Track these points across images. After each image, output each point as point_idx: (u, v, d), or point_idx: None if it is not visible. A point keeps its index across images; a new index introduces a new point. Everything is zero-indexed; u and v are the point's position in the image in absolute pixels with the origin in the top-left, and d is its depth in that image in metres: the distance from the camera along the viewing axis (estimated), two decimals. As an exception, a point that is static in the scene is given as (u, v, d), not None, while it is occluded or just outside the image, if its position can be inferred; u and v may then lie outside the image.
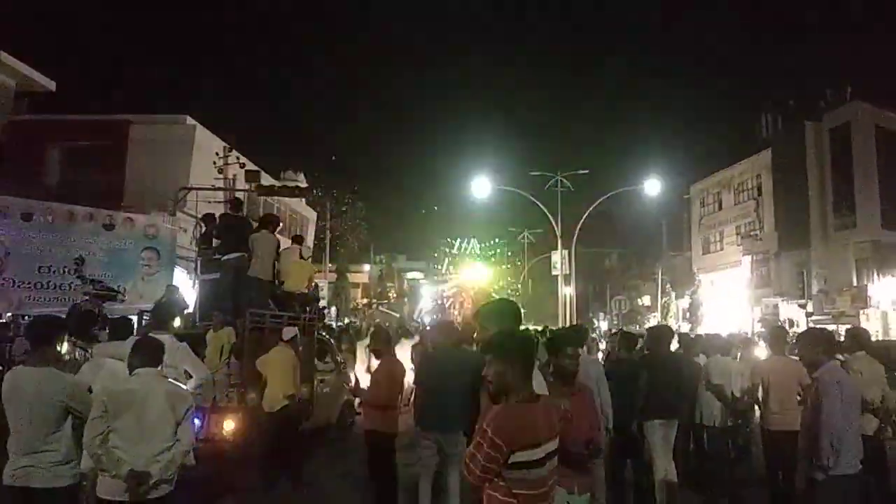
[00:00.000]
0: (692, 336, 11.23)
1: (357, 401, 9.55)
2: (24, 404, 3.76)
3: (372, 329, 10.56)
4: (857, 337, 6.52)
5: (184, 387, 4.63)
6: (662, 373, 6.53)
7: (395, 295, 55.24)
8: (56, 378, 3.88)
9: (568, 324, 24.58)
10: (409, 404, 11.64)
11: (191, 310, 10.42)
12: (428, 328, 15.75)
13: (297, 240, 12.10)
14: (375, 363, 6.74)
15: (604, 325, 46.17)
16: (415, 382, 6.25)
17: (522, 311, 4.49)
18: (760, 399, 6.59)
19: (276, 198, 26.91)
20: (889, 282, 30.98)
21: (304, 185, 28.92)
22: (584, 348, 6.85)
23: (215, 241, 10.44)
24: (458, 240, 46.18)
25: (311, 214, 39.04)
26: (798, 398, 6.19)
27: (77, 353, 5.73)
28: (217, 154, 22.01)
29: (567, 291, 27.22)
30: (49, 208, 11.16)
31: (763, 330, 24.19)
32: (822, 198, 34.61)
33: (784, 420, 6.20)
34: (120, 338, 5.49)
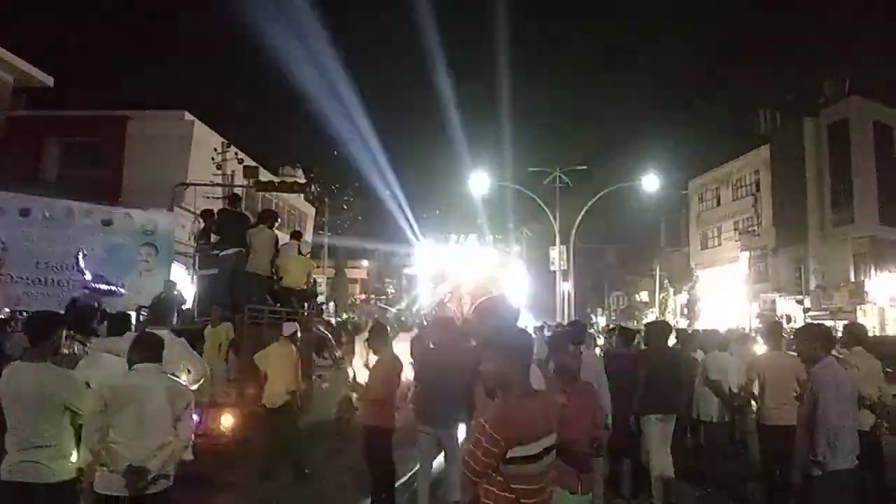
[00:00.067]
0: (689, 332, 11.27)
1: (355, 396, 9.56)
2: (22, 400, 3.76)
3: (370, 324, 10.57)
4: (854, 332, 6.54)
5: (182, 382, 4.63)
6: (660, 368, 6.55)
7: (393, 290, 55.28)
8: (54, 374, 3.89)
9: (566, 320, 24.62)
10: (407, 399, 11.70)
11: (189, 305, 10.42)
12: (426, 323, 15.76)
13: (296, 235, 12.09)
14: (374, 359, 6.75)
15: (602, 321, 46.22)
16: (415, 378, 6.27)
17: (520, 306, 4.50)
18: (757, 394, 6.62)
19: (274, 193, 26.91)
20: (886, 277, 31.04)
21: (302, 180, 28.93)
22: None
23: (213, 237, 10.44)
24: (454, 236, 46.11)
25: (310, 210, 39.03)
26: (794, 393, 6.23)
27: (76, 348, 5.72)
28: (215, 150, 22.00)
29: (565, 287, 27.25)
30: (47, 204, 11.11)
31: (761, 326, 24.25)
32: (820, 193, 34.64)
33: (780, 415, 6.22)
34: (117, 333, 5.49)
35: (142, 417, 3.85)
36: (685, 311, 44.41)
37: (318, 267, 27.56)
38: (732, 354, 7.80)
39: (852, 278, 32.16)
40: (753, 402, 6.94)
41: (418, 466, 5.96)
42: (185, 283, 11.94)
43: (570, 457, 3.60)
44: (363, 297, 51.30)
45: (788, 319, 31.97)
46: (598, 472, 5.79)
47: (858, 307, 30.41)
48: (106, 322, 6.54)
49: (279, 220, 11.67)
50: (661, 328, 7.50)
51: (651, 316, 43.15)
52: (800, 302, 33.07)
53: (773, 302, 36.18)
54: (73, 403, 3.86)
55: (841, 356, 6.00)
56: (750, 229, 39.74)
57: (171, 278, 11.20)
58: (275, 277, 10.16)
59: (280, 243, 10.61)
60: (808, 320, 26.33)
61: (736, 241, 40.73)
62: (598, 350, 10.29)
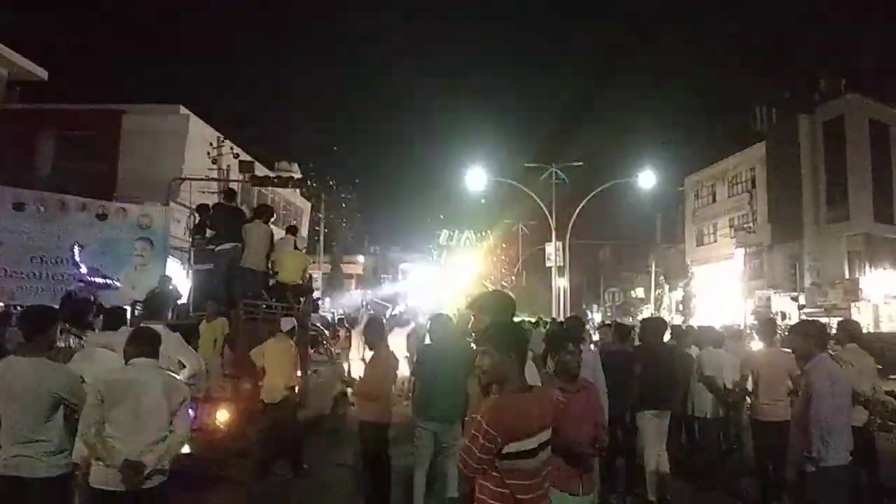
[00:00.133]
0: (684, 328, 11.28)
1: (350, 391, 9.57)
2: (17, 394, 3.75)
3: (366, 318, 10.57)
4: (849, 329, 6.56)
5: (178, 377, 4.63)
6: (655, 364, 6.56)
7: (389, 286, 55.24)
8: (48, 368, 3.87)
9: (562, 315, 24.64)
10: (403, 394, 11.71)
11: (184, 300, 10.40)
12: (423, 319, 15.76)
13: (292, 230, 12.06)
14: (370, 353, 6.75)
15: (597, 317, 46.30)
16: (413, 374, 6.27)
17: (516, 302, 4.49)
18: (751, 390, 6.65)
19: (270, 188, 26.83)
20: (880, 275, 31.19)
21: (298, 175, 28.82)
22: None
23: (209, 232, 10.41)
24: (448, 231, 46.10)
25: (306, 205, 38.94)
26: (788, 390, 6.26)
27: (72, 342, 5.71)
28: (211, 144, 21.91)
29: (561, 283, 27.26)
30: (41, 198, 11.09)
31: (756, 323, 24.32)
32: (816, 191, 34.74)
33: (774, 411, 6.26)
34: (113, 328, 5.47)
35: (138, 412, 3.84)
36: (680, 307, 44.54)
37: (313, 262, 27.51)
38: (727, 351, 7.81)
39: (847, 275, 32.29)
40: (748, 399, 6.97)
41: (416, 461, 5.97)
42: (181, 278, 11.91)
43: (572, 457, 3.56)
44: (359, 291, 51.26)
45: (783, 316, 32.10)
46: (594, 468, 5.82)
47: (853, 304, 30.56)
48: (102, 316, 6.52)
49: (275, 214, 11.65)
50: (656, 324, 7.51)
51: (646, 312, 43.26)
52: (795, 299, 33.18)
53: (768, 299, 36.31)
54: (67, 398, 3.85)
55: (835, 353, 6.03)
56: (745, 226, 39.84)
57: (167, 273, 11.18)
58: (270, 272, 10.13)
59: (276, 238, 10.58)
60: (803, 317, 26.45)
61: (731, 237, 40.83)
62: (592, 346, 10.29)
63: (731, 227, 41.93)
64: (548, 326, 15.04)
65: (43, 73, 21.94)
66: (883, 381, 6.31)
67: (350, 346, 13.04)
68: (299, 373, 8.18)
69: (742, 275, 38.41)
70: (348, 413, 10.00)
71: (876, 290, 31.00)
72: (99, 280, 10.51)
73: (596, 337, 14.55)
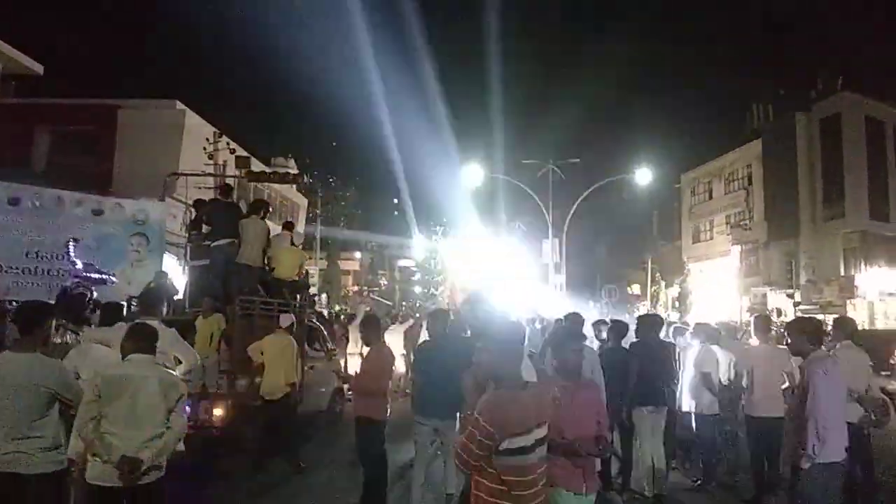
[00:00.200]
0: (680, 324, 11.29)
1: (347, 387, 9.56)
2: (11, 390, 3.74)
3: (363, 315, 10.57)
4: (844, 326, 6.58)
5: (174, 373, 4.62)
6: (651, 361, 6.58)
7: (385, 282, 55.28)
8: (43, 364, 3.86)
9: (557, 312, 24.64)
10: (400, 391, 11.70)
11: (180, 296, 10.37)
12: (420, 315, 15.78)
13: (288, 226, 12.05)
14: (367, 350, 6.74)
15: (594, 314, 46.32)
16: (412, 370, 6.28)
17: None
18: (745, 386, 6.67)
19: (266, 184, 26.78)
20: (876, 272, 31.28)
21: (294, 171, 28.80)
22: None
23: (205, 227, 10.38)
24: (442, 227, 46.17)
25: (302, 201, 38.89)
26: (782, 386, 6.28)
27: (68, 338, 5.69)
28: (207, 139, 21.86)
29: (557, 280, 27.28)
30: (37, 193, 11.01)
31: (751, 319, 24.37)
32: (812, 188, 34.81)
33: (768, 407, 6.29)
34: (109, 323, 5.45)
35: (135, 408, 3.84)
36: (677, 304, 44.62)
37: (310, 258, 27.51)
38: (724, 348, 7.82)
39: (842, 272, 32.39)
40: (743, 395, 6.99)
41: (414, 458, 5.98)
42: (177, 274, 11.88)
43: (575, 456, 3.54)
44: (356, 288, 51.29)
45: (779, 313, 32.18)
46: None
47: (848, 301, 30.65)
48: (98, 312, 6.50)
49: (271, 210, 11.63)
50: (653, 321, 7.53)
51: (643, 309, 43.32)
52: (790, 296, 33.28)
53: (764, 295, 36.39)
54: (61, 394, 3.84)
55: (830, 350, 6.05)
56: (741, 223, 39.91)
57: (163, 269, 11.14)
58: (267, 268, 10.12)
59: (272, 234, 10.56)
60: (799, 314, 26.55)
61: (728, 234, 40.91)
62: (596, 343, 10.28)
63: (727, 223, 42.01)
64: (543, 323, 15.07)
65: (38, 68, 21.83)
66: (877, 378, 6.33)
67: (347, 342, 13.04)
68: (300, 369, 8.18)
69: (738, 271, 38.52)
70: (345, 409, 10.00)
71: (871, 288, 31.10)
72: (95, 276, 10.45)
73: (591, 334, 14.64)
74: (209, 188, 19.30)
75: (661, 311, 38.67)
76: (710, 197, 44.80)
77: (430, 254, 49.04)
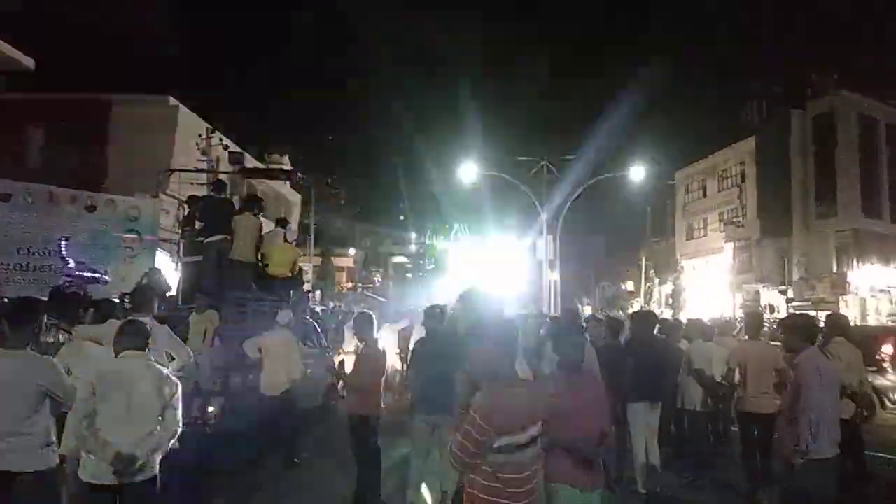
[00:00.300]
0: (672, 321, 11.33)
1: (341, 384, 9.56)
2: (2, 387, 3.71)
3: (357, 312, 10.56)
4: (837, 323, 6.62)
5: (166, 370, 4.60)
6: (646, 357, 6.59)
7: (380, 279, 55.24)
8: (34, 361, 3.84)
9: (552, 309, 24.69)
10: (395, 388, 11.69)
11: (173, 292, 10.34)
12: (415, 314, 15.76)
13: (281, 223, 12.02)
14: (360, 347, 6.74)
15: (588, 311, 46.47)
16: (411, 366, 6.29)
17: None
18: (737, 383, 6.70)
19: (260, 180, 26.69)
20: (868, 269, 31.46)
21: (288, 167, 28.72)
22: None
23: (198, 224, 10.35)
24: (436, 225, 46.23)
25: (296, 197, 38.81)
26: (774, 382, 6.32)
27: (60, 336, 5.66)
28: (200, 135, 21.77)
29: (552, 277, 27.29)
30: (28, 189, 10.95)
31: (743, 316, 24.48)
32: (805, 186, 34.93)
33: (760, 403, 6.32)
34: (100, 321, 5.42)
35: (130, 405, 3.83)
36: (670, 301, 44.74)
37: (303, 255, 27.44)
38: (717, 344, 7.86)
39: (835, 269, 32.53)
40: (737, 391, 7.01)
41: (411, 454, 5.99)
42: (170, 270, 11.84)
43: (578, 452, 3.52)
44: (350, 285, 51.25)
45: (772, 310, 32.34)
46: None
47: (840, 298, 30.80)
48: (92, 309, 6.47)
49: (264, 206, 11.61)
50: (647, 318, 7.54)
51: (636, 306, 43.43)
52: (783, 292, 33.43)
53: (757, 292, 36.52)
54: (52, 391, 3.82)
55: (823, 346, 6.08)
56: (735, 220, 40.02)
57: (156, 265, 11.10)
58: (260, 265, 10.10)
59: (265, 230, 10.53)
60: (791, 311, 26.65)
61: (721, 231, 41.02)
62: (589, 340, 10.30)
63: (720, 221, 42.11)
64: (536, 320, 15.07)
65: (30, 63, 21.66)
66: (870, 374, 6.38)
67: (342, 339, 13.05)
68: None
69: (731, 269, 38.64)
70: (338, 405, 10.00)
71: (863, 285, 31.28)
72: (87, 275, 10.41)
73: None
74: (202, 184, 19.21)
75: (654, 309, 38.79)
76: (704, 194, 44.90)
77: (425, 250, 49.04)
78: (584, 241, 56.67)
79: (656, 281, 48.92)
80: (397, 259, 59.58)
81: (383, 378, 6.48)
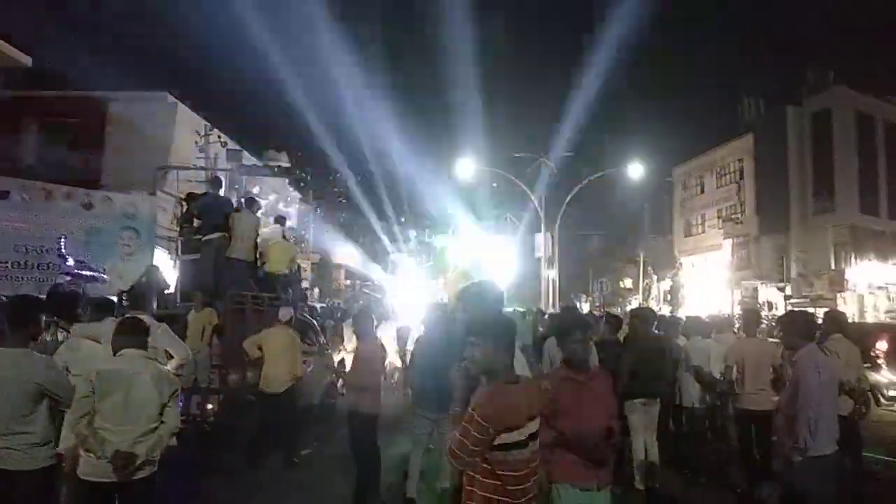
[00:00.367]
0: (671, 318, 11.33)
1: (340, 382, 9.55)
2: (0, 386, 3.70)
3: (356, 310, 10.57)
4: (835, 319, 6.62)
5: (165, 368, 4.60)
6: (644, 354, 6.60)
7: (378, 276, 55.14)
8: (32, 359, 3.83)
9: (551, 306, 24.71)
10: (395, 385, 11.69)
11: (171, 290, 10.33)
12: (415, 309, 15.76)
13: (280, 220, 12.01)
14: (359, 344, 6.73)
15: (586, 308, 46.51)
16: (411, 363, 6.29)
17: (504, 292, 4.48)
18: (734, 379, 6.70)
19: (258, 177, 26.60)
20: (866, 265, 31.51)
21: (286, 164, 28.61)
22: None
23: (196, 221, 10.33)
24: (434, 222, 46.17)
25: (294, 195, 38.70)
26: (771, 379, 6.32)
27: (59, 334, 5.65)
28: (198, 132, 21.72)
29: (550, 274, 27.31)
30: (26, 187, 10.95)
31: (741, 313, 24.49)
32: (803, 182, 34.95)
33: (757, 400, 6.33)
34: (98, 319, 5.42)
35: (129, 403, 3.83)
36: (668, 297, 44.79)
37: (301, 252, 27.38)
38: (715, 341, 7.86)
39: (833, 266, 32.57)
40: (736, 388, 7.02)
41: (411, 451, 5.99)
42: (168, 268, 11.84)
43: (584, 450, 3.46)
44: (348, 282, 51.14)
45: (770, 306, 32.40)
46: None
47: (838, 294, 30.86)
48: (89, 308, 6.46)
49: (262, 204, 11.60)
50: (645, 315, 7.54)
51: (634, 303, 43.46)
52: (781, 289, 33.46)
53: (755, 289, 36.57)
54: (50, 390, 3.81)
55: (821, 343, 6.08)
56: (733, 217, 40.04)
57: (154, 263, 11.10)
58: (258, 262, 10.09)
59: (263, 228, 10.53)
60: (789, 307, 26.69)
61: (719, 228, 41.04)
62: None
63: (718, 217, 42.13)
64: (534, 317, 15.10)
65: (27, 60, 21.59)
66: (867, 371, 6.38)
67: (340, 338, 13.03)
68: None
69: (729, 265, 38.67)
70: (337, 403, 9.99)
71: (861, 281, 31.34)
72: (86, 273, 10.41)
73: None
74: (200, 182, 19.18)
75: (652, 305, 38.84)
76: (702, 191, 44.91)
77: (423, 248, 49.02)
78: (583, 238, 56.73)
79: (654, 278, 48.94)
80: (395, 257, 59.50)
81: (382, 376, 6.49)
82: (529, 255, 30.41)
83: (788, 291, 32.80)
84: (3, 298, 9.04)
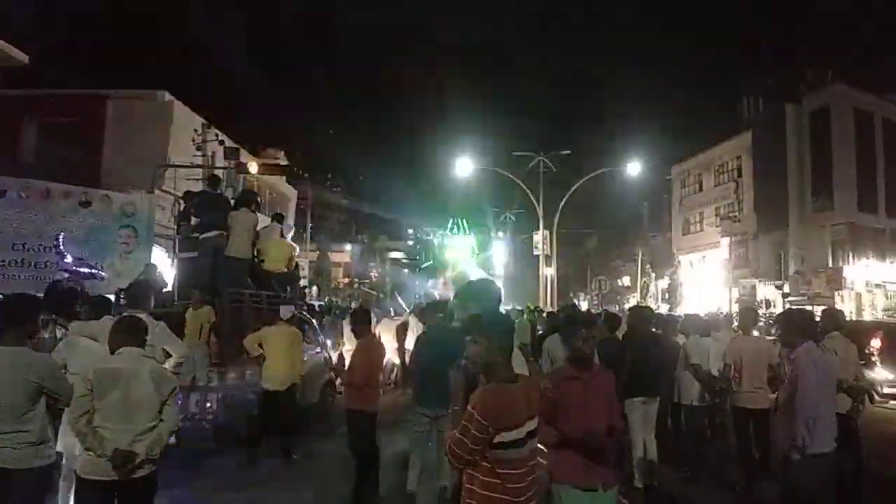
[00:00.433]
0: (668, 316, 11.34)
1: (338, 380, 9.55)
2: (-1, 384, 3.70)
3: (354, 308, 10.56)
4: (833, 317, 6.61)
5: (164, 366, 4.60)
6: (643, 352, 6.60)
7: (376, 275, 55.22)
8: (29, 357, 3.82)
9: (549, 304, 24.73)
10: (392, 383, 11.70)
11: (169, 288, 10.32)
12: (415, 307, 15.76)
13: (278, 218, 11.98)
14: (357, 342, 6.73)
15: (584, 306, 46.54)
16: (411, 361, 6.30)
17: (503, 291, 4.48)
18: (732, 377, 6.71)
19: (255, 175, 26.62)
20: (863, 263, 31.55)
21: (284, 162, 28.64)
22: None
23: (194, 220, 10.31)
24: (433, 220, 46.24)
25: (292, 192, 38.74)
26: (769, 377, 6.33)
27: (57, 332, 5.65)
28: (195, 130, 21.72)
29: (548, 272, 27.34)
30: (23, 184, 10.93)
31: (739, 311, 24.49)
32: (801, 180, 34.97)
33: (753, 398, 6.33)
34: (97, 317, 5.41)
35: (128, 402, 3.82)
36: (666, 295, 44.84)
37: (300, 250, 27.42)
38: (714, 339, 7.86)
39: (830, 264, 32.61)
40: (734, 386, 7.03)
41: (408, 448, 5.99)
42: (166, 266, 11.82)
43: (586, 449, 3.45)
44: (346, 280, 51.23)
45: (768, 304, 32.43)
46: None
47: (836, 292, 30.89)
48: (88, 305, 6.46)
49: (260, 201, 11.58)
50: (644, 313, 7.55)
51: (633, 301, 43.50)
52: (779, 287, 33.50)
53: (753, 287, 36.61)
54: (48, 388, 3.80)
55: (819, 341, 6.08)
56: (731, 215, 40.07)
57: (152, 261, 11.08)
58: (256, 260, 10.07)
59: (261, 226, 10.50)
60: (787, 305, 26.72)
61: (717, 226, 41.08)
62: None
63: (717, 216, 42.17)
64: (533, 316, 15.10)
65: (23, 58, 21.54)
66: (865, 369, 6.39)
67: (340, 336, 13.04)
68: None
69: (727, 263, 38.71)
70: (336, 401, 9.99)
71: (859, 279, 31.38)
72: (84, 270, 10.40)
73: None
74: (198, 180, 19.17)
75: (651, 303, 38.88)
76: (700, 189, 44.94)
77: (422, 246, 49.04)
78: (581, 236, 56.79)
79: (653, 276, 49.00)
80: (394, 254, 59.59)
81: (381, 374, 6.49)
82: (528, 254, 30.43)
83: (786, 289, 32.84)
84: (1, 297, 9.04)
